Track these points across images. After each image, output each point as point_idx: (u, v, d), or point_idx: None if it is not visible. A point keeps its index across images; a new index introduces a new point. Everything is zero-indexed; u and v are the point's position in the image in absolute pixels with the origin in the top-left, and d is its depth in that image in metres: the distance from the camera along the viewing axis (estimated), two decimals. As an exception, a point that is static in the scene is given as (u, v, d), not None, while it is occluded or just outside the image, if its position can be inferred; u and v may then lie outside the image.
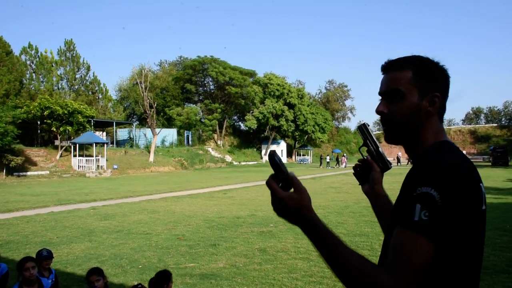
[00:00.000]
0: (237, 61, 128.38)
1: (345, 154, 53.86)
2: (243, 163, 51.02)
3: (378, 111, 1.29)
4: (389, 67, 1.29)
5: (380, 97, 1.31)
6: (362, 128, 1.50)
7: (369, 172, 1.57)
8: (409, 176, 1.13)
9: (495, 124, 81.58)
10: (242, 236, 8.86)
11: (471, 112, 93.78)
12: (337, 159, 50.25)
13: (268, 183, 1.16)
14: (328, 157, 51.02)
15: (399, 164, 50.72)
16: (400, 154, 57.28)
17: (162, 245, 8.08)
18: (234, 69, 56.19)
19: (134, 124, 52.11)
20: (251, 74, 59.21)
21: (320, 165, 48.47)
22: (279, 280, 5.84)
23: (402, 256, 1.04)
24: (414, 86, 1.23)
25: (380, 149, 1.49)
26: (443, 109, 1.27)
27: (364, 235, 8.77)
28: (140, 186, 21.81)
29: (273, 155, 1.15)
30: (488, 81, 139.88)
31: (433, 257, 1.04)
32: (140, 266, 6.59)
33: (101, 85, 50.01)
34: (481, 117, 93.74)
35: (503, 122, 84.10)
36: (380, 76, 1.34)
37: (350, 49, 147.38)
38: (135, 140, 47.59)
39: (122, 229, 9.73)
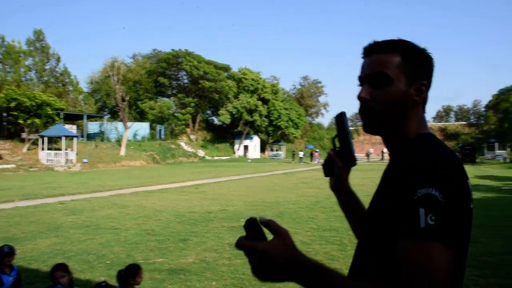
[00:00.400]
0: (211, 56, 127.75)
1: (317, 150, 54.40)
2: (216, 158, 50.85)
3: (360, 97, 1.14)
4: (374, 49, 1.15)
5: (359, 82, 1.17)
6: (340, 117, 1.35)
7: (334, 166, 1.40)
8: (395, 174, 1.00)
9: (464, 122, 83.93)
10: (212, 231, 8.83)
11: (441, 110, 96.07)
12: (311, 155, 50.73)
13: (239, 244, 0.96)
14: (301, 153, 51.48)
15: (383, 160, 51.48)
16: (372, 150, 58.28)
17: (131, 240, 7.97)
18: (208, 63, 55.78)
19: (106, 117, 51.12)
20: (226, 68, 58.98)
21: (293, 160, 48.79)
22: (248, 274, 5.83)
23: (422, 273, 0.89)
24: (402, 71, 1.10)
25: (350, 142, 1.35)
26: (427, 98, 1.16)
27: (334, 230, 8.87)
28: (110, 181, 21.46)
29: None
30: (459, 80, 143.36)
31: (452, 263, 0.91)
32: (108, 262, 6.49)
33: (72, 77, 48.82)
34: (451, 115, 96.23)
35: (471, 121, 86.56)
36: (357, 64, 1.20)
37: (325, 45, 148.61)
38: (106, 134, 46.72)
39: (90, 224, 9.55)
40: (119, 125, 44.95)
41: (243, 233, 0.99)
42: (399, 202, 0.95)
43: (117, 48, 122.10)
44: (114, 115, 50.44)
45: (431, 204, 0.90)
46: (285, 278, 0.96)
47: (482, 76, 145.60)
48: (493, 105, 70.35)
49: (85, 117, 44.53)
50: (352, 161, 1.36)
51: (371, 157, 54.28)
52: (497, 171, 30.49)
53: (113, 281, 4.08)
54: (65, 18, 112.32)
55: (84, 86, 56.92)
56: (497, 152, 53.21)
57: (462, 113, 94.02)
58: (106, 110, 56.52)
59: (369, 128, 1.16)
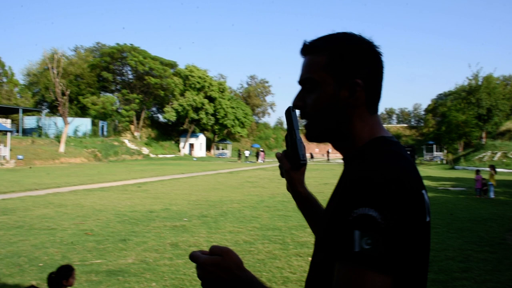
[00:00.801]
0: (158, 52, 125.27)
1: (263, 149, 54.91)
2: (160, 156, 49.99)
3: (293, 105, 1.09)
4: (305, 50, 1.07)
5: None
6: (287, 113, 1.23)
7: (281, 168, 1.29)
8: (342, 189, 0.92)
9: (405, 125, 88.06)
10: (154, 230, 8.65)
11: (384, 112, 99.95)
12: (256, 154, 51.11)
13: (192, 257, 0.96)
14: (247, 152, 51.73)
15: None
16: (317, 150, 59.60)
17: (67, 241, 7.64)
18: (154, 59, 54.73)
19: (44, 112, 48.76)
20: (172, 65, 58.14)
21: (239, 159, 48.93)
22: (189, 275, 5.77)
23: None
24: (328, 73, 1.01)
25: (297, 141, 1.21)
26: (374, 98, 1.04)
27: (277, 229, 8.96)
28: (47, 178, 20.48)
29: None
30: (401, 84, 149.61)
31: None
32: (41, 264, 6.18)
33: (6, 68, 46.16)
34: (393, 117, 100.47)
35: (412, 123, 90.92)
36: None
37: (272, 45, 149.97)
38: (45, 129, 44.54)
39: (23, 225, 9.05)
40: (59, 120, 43.05)
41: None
42: (336, 221, 0.87)
43: (57, 38, 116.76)
44: (54, 110, 48.30)
45: (367, 226, 0.80)
46: None
47: (422, 81, 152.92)
48: (431, 109, 74.44)
49: (20, 111, 42.22)
50: (297, 162, 1.22)
51: (315, 158, 55.45)
52: (434, 172, 32.15)
53: (45, 285, 3.89)
54: None
55: (20, 78, 54.29)
56: (435, 153, 56.11)
57: (403, 116, 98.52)
58: (44, 104, 54.04)
59: (309, 137, 1.09)
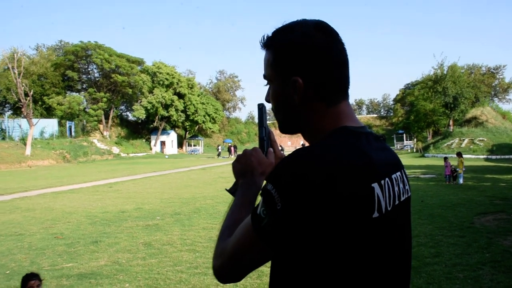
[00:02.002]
0: (124, 49, 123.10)
1: (235, 145, 54.80)
2: (131, 155, 49.22)
3: (265, 99, 1.14)
4: (263, 44, 1.08)
5: None
6: (258, 110, 1.25)
7: None
8: None
9: (375, 115, 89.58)
10: (126, 231, 8.50)
11: (354, 103, 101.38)
12: (229, 149, 51.01)
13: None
14: (219, 147, 51.61)
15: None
16: (289, 143, 59.98)
17: (36, 246, 7.42)
18: (120, 57, 53.58)
19: (7, 114, 47.12)
20: (139, 62, 57.11)
21: (218, 155, 48.81)
22: (163, 274, 5.70)
23: (233, 239, 0.98)
24: (274, 70, 1.04)
25: (266, 137, 1.25)
26: (327, 90, 1.00)
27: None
28: (13, 183, 19.83)
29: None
30: (369, 74, 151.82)
31: (263, 257, 0.95)
32: (8, 272, 5.96)
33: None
34: (363, 108, 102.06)
35: (382, 113, 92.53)
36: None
37: (241, 39, 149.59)
38: (8, 132, 43.06)
39: (-12, 231, 8.74)
40: (23, 122, 41.64)
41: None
42: None
43: (17, 37, 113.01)
44: (17, 111, 46.75)
45: (267, 200, 0.89)
46: (241, 178, 1.19)
47: (391, 71, 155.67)
48: (400, 98, 75.88)
49: (-19, 113, 40.70)
50: None
51: (286, 150, 55.79)
52: (405, 160, 32.50)
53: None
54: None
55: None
56: (405, 142, 57.38)
57: (373, 106, 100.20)
58: (7, 106, 52.20)
59: (279, 128, 1.13)
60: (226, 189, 1.25)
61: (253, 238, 0.92)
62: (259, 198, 0.97)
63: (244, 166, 1.19)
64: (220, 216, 9.91)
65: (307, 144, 1.04)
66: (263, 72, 1.10)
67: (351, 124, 1.01)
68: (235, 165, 1.21)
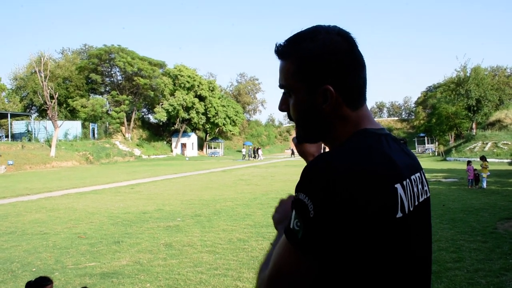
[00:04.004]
0: (146, 52, 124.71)
1: (259, 147, 55.18)
2: (152, 157, 49.79)
3: (279, 108, 1.12)
4: (277, 54, 1.06)
5: None
6: None
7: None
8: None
9: (396, 118, 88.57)
10: (147, 231, 8.63)
11: (375, 106, 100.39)
12: (254, 152, 51.35)
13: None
14: (243, 150, 51.98)
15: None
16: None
17: (60, 245, 7.60)
18: (143, 60, 54.39)
19: (33, 116, 48.30)
20: (161, 65, 57.85)
21: (246, 157, 49.30)
22: (183, 274, 5.77)
23: (273, 259, 0.94)
24: (298, 81, 1.01)
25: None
26: (353, 95, 1.02)
27: (271, 226, 8.93)
28: (39, 183, 20.32)
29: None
30: (391, 77, 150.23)
31: (308, 271, 0.89)
32: (34, 269, 6.14)
33: (-7, 73, 45.62)
34: (384, 111, 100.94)
35: (403, 116, 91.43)
36: None
37: (261, 42, 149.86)
38: (34, 133, 44.11)
39: (15, 230, 8.98)
40: (48, 124, 42.62)
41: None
42: None
43: (43, 42, 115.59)
44: (43, 114, 47.87)
45: (300, 211, 0.88)
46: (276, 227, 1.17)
47: (412, 73, 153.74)
48: (421, 101, 74.89)
49: (9, 115, 41.80)
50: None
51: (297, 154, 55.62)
52: (426, 164, 32.27)
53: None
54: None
55: (8, 83, 53.53)
56: (427, 146, 56.59)
57: (394, 109, 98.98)
58: (33, 108, 53.50)
59: (300, 138, 1.12)
60: (271, 243, 1.23)
61: (292, 254, 0.89)
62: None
63: (281, 215, 1.18)
64: (240, 218, 9.98)
65: (327, 149, 1.07)
66: (279, 81, 1.08)
67: (371, 126, 1.03)
68: (274, 216, 1.21)
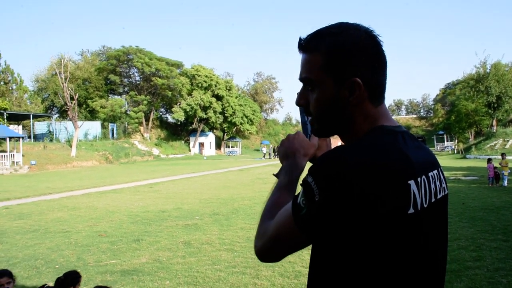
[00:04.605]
0: (163, 52, 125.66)
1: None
2: (171, 156, 50.24)
3: (296, 103, 1.12)
4: (302, 47, 1.07)
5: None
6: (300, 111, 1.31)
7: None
8: None
9: (415, 116, 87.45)
10: (166, 230, 8.74)
11: (393, 104, 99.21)
12: (274, 151, 51.54)
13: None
14: (264, 149, 52.14)
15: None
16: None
17: (82, 243, 7.76)
18: (160, 60, 54.93)
19: (54, 117, 49.25)
20: (178, 65, 58.29)
21: (265, 156, 49.56)
22: (202, 272, 5.85)
23: (274, 223, 1.04)
24: (326, 73, 1.02)
25: (307, 121, 1.30)
26: (377, 91, 1.04)
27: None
28: (60, 182, 20.73)
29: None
30: (409, 74, 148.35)
31: (301, 243, 0.99)
32: (57, 266, 6.29)
33: (15, 75, 46.67)
34: (402, 109, 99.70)
35: (421, 114, 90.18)
36: None
37: (278, 40, 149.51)
38: (55, 134, 44.99)
39: (38, 228, 9.20)
40: (69, 124, 43.45)
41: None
42: None
43: (63, 44, 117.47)
44: (63, 114, 48.75)
45: (306, 191, 0.93)
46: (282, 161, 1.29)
47: (431, 70, 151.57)
48: (440, 98, 73.82)
49: (31, 116, 42.70)
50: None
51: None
52: (445, 162, 31.89)
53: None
54: (3, 10, 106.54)
55: (30, 85, 54.61)
56: (446, 143, 55.82)
57: (412, 107, 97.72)
58: (54, 109, 54.52)
59: (316, 133, 1.14)
60: (273, 174, 1.32)
61: (292, 225, 0.96)
62: (299, 188, 1.03)
63: (287, 149, 1.28)
64: (258, 216, 10.00)
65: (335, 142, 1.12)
66: (299, 74, 1.09)
67: (388, 124, 1.04)
68: (279, 149, 1.31)
